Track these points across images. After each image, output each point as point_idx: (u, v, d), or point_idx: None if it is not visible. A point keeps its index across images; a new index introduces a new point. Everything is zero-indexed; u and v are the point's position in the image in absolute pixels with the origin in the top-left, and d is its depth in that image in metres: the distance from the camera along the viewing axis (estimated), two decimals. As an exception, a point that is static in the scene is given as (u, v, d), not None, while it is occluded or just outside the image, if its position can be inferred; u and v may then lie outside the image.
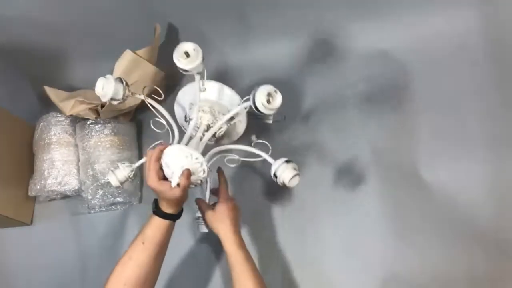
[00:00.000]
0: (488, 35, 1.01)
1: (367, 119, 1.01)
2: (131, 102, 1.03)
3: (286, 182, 0.73)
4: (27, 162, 1.09)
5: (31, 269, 1.03)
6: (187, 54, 0.73)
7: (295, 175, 0.73)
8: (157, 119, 0.83)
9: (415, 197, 0.92)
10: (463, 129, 0.95)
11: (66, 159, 1.05)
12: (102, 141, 1.03)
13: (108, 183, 1.01)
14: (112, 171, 0.79)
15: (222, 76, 1.15)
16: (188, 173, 0.69)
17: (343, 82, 1.07)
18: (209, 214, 0.81)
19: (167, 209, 0.73)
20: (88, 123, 1.05)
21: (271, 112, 0.72)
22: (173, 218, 0.74)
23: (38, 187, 1.03)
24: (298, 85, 1.09)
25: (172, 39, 1.13)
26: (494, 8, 1.01)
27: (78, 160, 1.06)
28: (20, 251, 1.05)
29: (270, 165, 0.76)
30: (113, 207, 1.04)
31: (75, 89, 1.12)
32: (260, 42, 1.13)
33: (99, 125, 1.05)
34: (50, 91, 1.06)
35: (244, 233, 0.93)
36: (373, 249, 0.90)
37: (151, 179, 0.70)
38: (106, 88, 0.75)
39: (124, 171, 0.79)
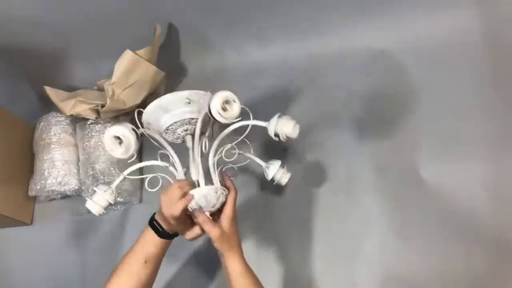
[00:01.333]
0: (488, 35, 1.01)
1: (367, 119, 1.01)
2: (132, 102, 1.03)
3: (290, 133, 0.70)
4: (27, 162, 1.09)
5: (31, 269, 1.03)
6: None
7: (295, 125, 0.71)
8: (161, 151, 0.79)
9: (415, 197, 0.92)
10: (463, 129, 0.95)
11: (66, 159, 1.05)
12: (103, 141, 1.03)
13: (108, 183, 1.01)
14: (90, 199, 0.74)
15: (221, 76, 1.15)
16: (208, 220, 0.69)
17: (342, 81, 1.07)
18: (217, 232, 0.69)
19: (170, 231, 0.72)
20: (88, 123, 1.05)
21: (227, 122, 0.68)
22: (172, 236, 0.74)
23: (38, 187, 1.03)
24: (297, 86, 1.09)
25: (172, 39, 1.14)
26: (494, 8, 1.01)
27: (78, 160, 1.06)
28: (20, 251, 1.05)
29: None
30: (113, 207, 1.04)
31: (75, 89, 1.11)
32: (260, 43, 1.13)
33: (99, 125, 1.05)
34: (50, 91, 1.06)
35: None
36: (373, 249, 0.90)
37: (177, 217, 0.68)
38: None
39: (104, 195, 0.74)
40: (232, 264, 0.70)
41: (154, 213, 0.74)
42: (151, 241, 0.71)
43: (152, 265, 0.71)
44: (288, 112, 1.05)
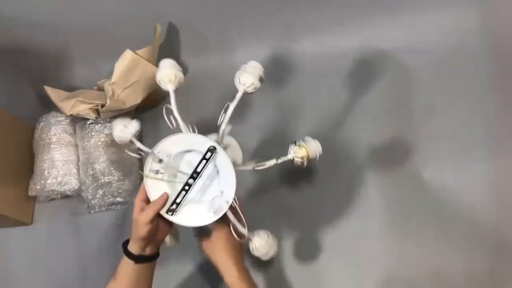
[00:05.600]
0: (488, 35, 1.01)
1: (366, 119, 1.01)
2: (132, 102, 1.03)
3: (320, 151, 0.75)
4: (27, 162, 1.09)
5: (31, 269, 1.03)
6: None
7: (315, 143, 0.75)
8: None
9: (415, 197, 0.92)
10: (463, 129, 0.95)
11: (66, 159, 1.05)
12: (102, 141, 1.03)
13: (108, 183, 1.01)
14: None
15: (221, 76, 1.14)
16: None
17: (342, 80, 1.07)
18: (204, 243, 0.72)
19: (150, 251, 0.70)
20: (88, 123, 1.05)
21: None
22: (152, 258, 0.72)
23: (38, 187, 1.03)
24: (297, 86, 1.09)
25: (172, 39, 1.13)
26: (494, 7, 1.01)
27: (78, 160, 1.06)
28: (20, 251, 1.05)
29: None
30: (113, 207, 1.04)
31: (75, 89, 1.12)
32: (259, 43, 1.13)
33: (99, 125, 1.05)
34: (50, 91, 1.06)
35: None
36: (373, 248, 0.90)
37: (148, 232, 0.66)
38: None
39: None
40: (225, 278, 0.69)
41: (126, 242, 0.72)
42: (133, 269, 0.69)
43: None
44: (287, 112, 1.06)
